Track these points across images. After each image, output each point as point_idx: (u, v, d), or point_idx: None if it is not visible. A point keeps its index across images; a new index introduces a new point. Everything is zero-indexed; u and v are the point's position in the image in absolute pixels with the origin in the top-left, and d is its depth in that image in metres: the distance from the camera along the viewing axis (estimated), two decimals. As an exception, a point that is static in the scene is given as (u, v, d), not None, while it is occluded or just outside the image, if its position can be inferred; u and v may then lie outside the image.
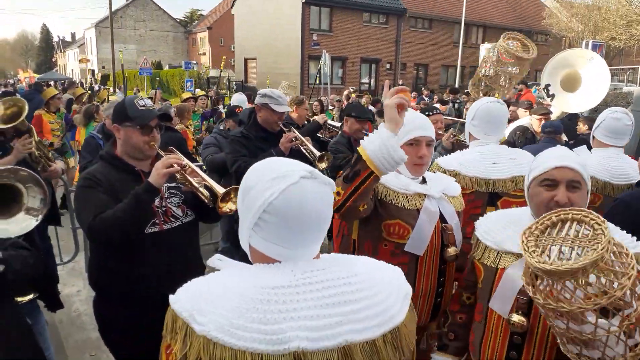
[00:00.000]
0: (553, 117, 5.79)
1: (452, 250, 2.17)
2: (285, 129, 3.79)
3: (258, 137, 3.75)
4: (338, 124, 5.29)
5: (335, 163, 4.18)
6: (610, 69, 5.82)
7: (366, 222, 2.17)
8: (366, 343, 1.07)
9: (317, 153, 3.82)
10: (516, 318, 1.73)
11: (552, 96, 5.82)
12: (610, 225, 1.68)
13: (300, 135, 3.80)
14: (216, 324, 1.02)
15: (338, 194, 1.86)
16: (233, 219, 3.35)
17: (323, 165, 3.81)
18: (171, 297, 1.12)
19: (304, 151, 3.85)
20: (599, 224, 1.35)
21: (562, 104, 5.82)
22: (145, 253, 2.31)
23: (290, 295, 1.07)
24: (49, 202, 2.13)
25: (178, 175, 2.35)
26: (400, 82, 27.53)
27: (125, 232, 2.18)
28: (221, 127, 5.24)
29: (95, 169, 2.37)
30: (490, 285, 1.87)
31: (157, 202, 2.36)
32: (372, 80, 30.88)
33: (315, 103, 9.31)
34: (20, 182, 1.81)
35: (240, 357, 1.00)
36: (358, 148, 1.87)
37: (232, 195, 2.41)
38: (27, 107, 3.64)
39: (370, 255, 2.05)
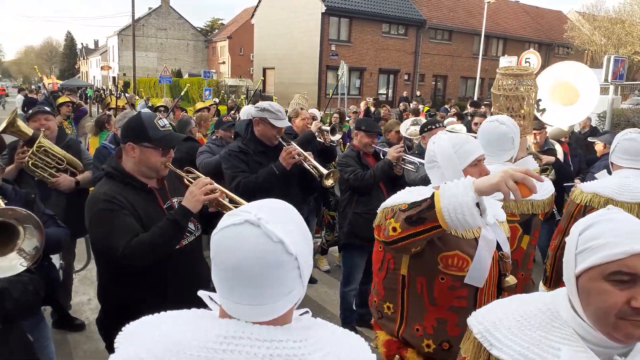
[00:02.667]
0: (550, 130, 5.67)
1: (510, 280, 2.07)
2: (284, 143, 3.67)
3: (257, 152, 3.63)
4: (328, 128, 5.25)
5: (344, 177, 4.11)
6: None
7: (419, 255, 2.00)
8: None
9: (324, 171, 3.66)
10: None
11: (543, 111, 5.73)
12: None
13: (302, 151, 3.66)
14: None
15: (394, 229, 1.76)
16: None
17: (330, 182, 3.70)
18: None
19: (307, 167, 3.72)
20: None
21: (553, 119, 5.72)
22: (165, 269, 2.28)
23: (186, 357, 0.96)
24: (42, 251, 1.96)
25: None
26: (418, 93, 27.42)
27: (159, 256, 2.18)
28: (213, 137, 5.28)
29: (111, 189, 2.25)
30: None
31: (171, 212, 2.32)
32: (390, 91, 30.82)
33: (335, 115, 9.25)
34: (19, 222, 1.72)
35: None
36: (434, 194, 1.70)
37: None
38: (16, 113, 3.71)
39: (425, 292, 2.01)
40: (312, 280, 5.69)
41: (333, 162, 5.44)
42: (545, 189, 2.77)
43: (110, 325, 2.33)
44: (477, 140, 2.15)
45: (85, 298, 5.14)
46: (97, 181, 3.79)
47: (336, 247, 5.34)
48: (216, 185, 2.33)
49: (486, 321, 1.29)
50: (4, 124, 3.65)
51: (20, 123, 3.69)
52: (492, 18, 28.67)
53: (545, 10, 38.68)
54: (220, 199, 2.35)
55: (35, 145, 3.71)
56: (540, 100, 5.90)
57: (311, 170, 3.71)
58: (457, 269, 1.98)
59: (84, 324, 4.52)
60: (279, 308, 1.02)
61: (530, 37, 34.21)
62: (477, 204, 1.60)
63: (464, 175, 2.01)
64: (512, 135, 2.64)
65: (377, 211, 2.19)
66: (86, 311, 4.86)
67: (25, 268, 1.88)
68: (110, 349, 2.45)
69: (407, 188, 2.24)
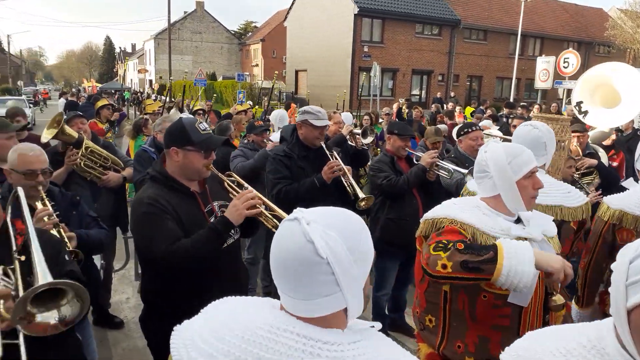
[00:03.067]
0: (593, 134, 5.48)
1: (557, 299, 1.95)
2: (327, 150, 3.74)
3: (300, 156, 3.71)
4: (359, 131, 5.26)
5: (376, 182, 4.10)
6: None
7: None
8: None
9: (360, 194, 3.64)
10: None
11: (585, 113, 5.56)
12: None
13: (343, 166, 3.68)
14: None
15: (444, 266, 1.73)
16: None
17: (363, 204, 3.67)
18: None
19: (345, 183, 3.70)
20: None
21: (596, 120, 5.55)
22: (205, 271, 2.35)
23: (237, 337, 1.05)
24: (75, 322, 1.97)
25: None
26: (452, 94, 27.04)
27: (198, 262, 2.26)
28: (245, 141, 5.34)
29: (155, 192, 2.34)
30: None
31: (212, 221, 2.40)
32: (423, 92, 30.52)
33: (366, 117, 9.22)
34: (72, 289, 1.80)
35: None
36: (497, 248, 1.71)
37: None
38: (62, 119, 3.86)
39: (466, 308, 1.98)
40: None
41: (365, 167, 5.45)
42: (576, 196, 2.66)
43: (152, 324, 2.45)
44: (530, 151, 2.05)
45: (124, 297, 5.30)
46: (138, 183, 3.97)
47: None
48: (258, 198, 2.38)
49: None
50: (52, 130, 3.81)
51: (67, 128, 3.85)
52: (528, 16, 28.02)
53: (585, 7, 37.54)
54: (266, 212, 2.41)
55: (83, 147, 3.87)
56: (582, 102, 5.76)
57: (347, 187, 3.70)
58: (500, 288, 1.89)
59: (122, 322, 4.66)
60: (315, 308, 1.05)
61: (569, 35, 33.26)
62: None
63: (517, 187, 1.96)
64: (545, 140, 2.58)
65: (420, 221, 2.14)
66: (125, 309, 5.00)
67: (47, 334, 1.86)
68: (152, 347, 2.54)
69: (452, 200, 2.17)
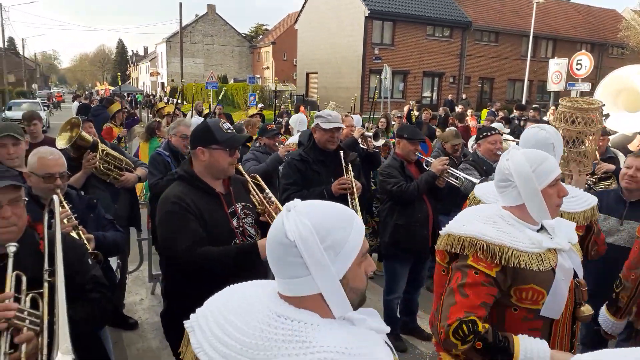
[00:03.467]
0: (614, 137, 5.43)
1: (586, 310, 1.92)
2: (344, 161, 3.78)
3: (316, 161, 3.75)
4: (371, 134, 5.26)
5: (386, 188, 4.11)
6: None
7: None
8: None
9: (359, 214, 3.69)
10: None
11: (607, 116, 5.52)
12: None
13: (353, 184, 3.71)
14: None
15: (455, 346, 1.76)
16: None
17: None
18: None
19: (349, 203, 3.71)
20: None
21: (617, 124, 5.49)
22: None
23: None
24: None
25: (258, 206, 2.57)
26: (464, 96, 26.93)
27: (214, 271, 2.31)
28: (257, 144, 5.38)
29: (181, 191, 2.45)
30: None
31: (235, 222, 2.49)
32: (434, 94, 30.43)
33: (382, 120, 9.23)
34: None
35: None
36: (514, 344, 1.76)
37: None
38: (80, 123, 3.89)
39: (495, 322, 1.91)
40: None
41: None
42: (580, 202, 2.58)
43: (172, 320, 2.50)
44: (553, 158, 1.97)
45: (137, 298, 5.36)
46: (154, 187, 4.02)
47: (376, 254, 5.31)
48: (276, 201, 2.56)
49: None
50: (66, 135, 3.86)
51: (83, 132, 3.90)
52: (541, 18, 27.83)
53: (597, 9, 37.19)
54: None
55: (99, 150, 3.92)
56: (603, 104, 5.72)
57: (351, 204, 3.71)
58: (531, 302, 1.86)
59: (137, 323, 4.72)
60: (291, 288, 1.18)
61: (581, 37, 32.97)
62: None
63: (542, 196, 1.89)
64: (553, 141, 2.52)
65: (440, 233, 2.04)
66: (139, 311, 5.06)
67: None
68: (171, 343, 2.62)
69: (472, 209, 2.12)
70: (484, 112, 14.98)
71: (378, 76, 20.94)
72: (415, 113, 13.35)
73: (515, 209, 1.94)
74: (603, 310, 2.81)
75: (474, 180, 3.85)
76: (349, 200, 3.71)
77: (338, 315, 1.18)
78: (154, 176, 4.05)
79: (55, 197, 2.13)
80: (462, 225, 1.94)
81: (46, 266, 1.82)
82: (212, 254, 2.32)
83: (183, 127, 4.23)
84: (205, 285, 2.33)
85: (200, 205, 2.42)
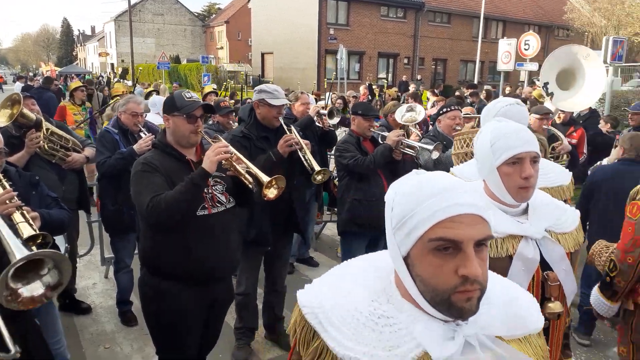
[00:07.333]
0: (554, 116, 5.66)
1: (554, 306, 1.69)
2: (285, 127, 3.68)
3: (259, 137, 3.63)
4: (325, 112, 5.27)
5: (342, 162, 4.11)
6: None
7: None
8: None
9: (316, 167, 3.68)
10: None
11: (551, 95, 5.73)
12: None
13: (300, 140, 3.65)
14: None
15: None
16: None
17: (319, 178, 3.70)
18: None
19: (302, 158, 3.69)
20: None
21: (560, 103, 5.73)
22: (196, 233, 2.55)
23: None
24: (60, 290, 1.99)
25: (224, 162, 2.62)
26: (419, 77, 27.29)
27: (180, 213, 2.43)
28: (210, 122, 5.32)
29: (151, 156, 2.62)
30: None
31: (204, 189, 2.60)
32: (390, 75, 30.67)
33: (339, 101, 9.22)
34: (50, 259, 1.79)
35: None
36: None
37: (275, 183, 2.87)
38: (22, 100, 3.69)
39: None
40: (313, 264, 5.78)
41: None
42: (554, 178, 2.46)
43: (148, 285, 2.67)
44: (530, 135, 1.72)
45: (90, 282, 5.22)
46: (101, 165, 3.88)
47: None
48: (231, 149, 2.65)
49: None
50: (6, 112, 3.65)
51: (25, 109, 3.70)
52: (491, 0, 28.40)
53: (545, -9, 38.26)
54: (236, 165, 2.68)
55: (43, 128, 3.74)
56: (547, 83, 5.91)
57: (304, 162, 3.69)
58: None
59: (90, 308, 4.61)
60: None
61: (530, 19, 33.92)
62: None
63: (498, 175, 1.70)
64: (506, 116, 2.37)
65: None
66: (92, 295, 4.94)
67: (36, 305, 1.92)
68: (146, 309, 2.69)
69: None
70: (425, 93, 15.30)
71: (335, 56, 20.90)
72: (376, 90, 13.42)
73: (486, 185, 1.80)
74: (596, 292, 2.71)
75: (429, 147, 3.93)
76: (301, 157, 3.67)
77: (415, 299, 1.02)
78: (102, 154, 3.90)
79: None
80: None
81: None
82: (168, 194, 2.42)
83: (133, 104, 4.06)
84: (180, 251, 2.53)
85: (169, 170, 2.56)
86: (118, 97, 6.90)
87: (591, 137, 6.56)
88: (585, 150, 5.67)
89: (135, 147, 3.82)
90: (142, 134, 4.02)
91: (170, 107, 2.63)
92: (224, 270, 2.73)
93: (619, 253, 2.57)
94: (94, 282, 5.24)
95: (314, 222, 6.12)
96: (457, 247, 0.93)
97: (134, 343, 4.06)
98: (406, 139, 4.15)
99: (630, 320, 2.61)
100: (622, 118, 8.01)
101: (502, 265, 1.68)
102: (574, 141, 5.47)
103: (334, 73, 13.94)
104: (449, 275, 0.94)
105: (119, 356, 3.90)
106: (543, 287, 1.74)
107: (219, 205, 2.67)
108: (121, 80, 27.52)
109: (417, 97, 11.81)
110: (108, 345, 4.04)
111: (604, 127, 6.63)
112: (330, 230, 6.90)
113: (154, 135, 3.73)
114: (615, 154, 4.45)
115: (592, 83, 5.69)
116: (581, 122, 7.02)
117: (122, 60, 42.71)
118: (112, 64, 49.40)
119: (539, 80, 7.33)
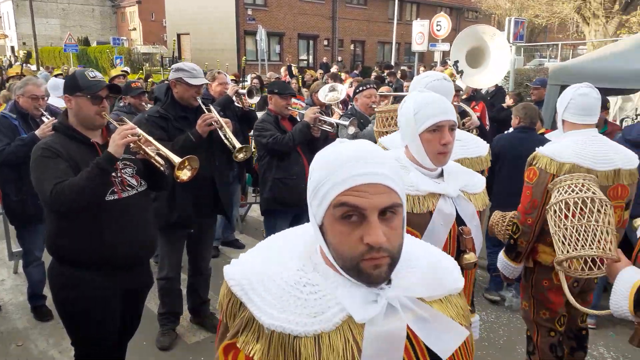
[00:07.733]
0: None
1: (469, 257, 1.91)
2: (203, 106, 3.58)
3: (177, 117, 3.51)
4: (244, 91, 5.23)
5: (262, 142, 4.10)
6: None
7: None
8: None
9: (237, 144, 3.64)
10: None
11: (461, 72, 6.06)
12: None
13: (220, 118, 3.58)
14: None
15: None
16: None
17: (241, 156, 3.69)
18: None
19: (222, 137, 3.64)
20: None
21: (469, 80, 6.08)
22: (105, 219, 2.45)
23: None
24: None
25: (132, 145, 2.51)
26: (339, 58, 27.55)
27: (86, 200, 2.32)
28: (120, 104, 5.12)
29: (52, 140, 2.46)
30: None
31: (112, 173, 2.48)
32: (311, 57, 30.71)
33: (255, 81, 9.14)
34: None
35: None
36: None
37: (187, 164, 2.80)
38: None
39: None
40: (239, 246, 5.76)
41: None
42: (473, 148, 2.64)
43: (58, 275, 2.53)
44: (448, 105, 1.89)
45: (-3, 279, 4.88)
46: (0, 153, 3.61)
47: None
48: (139, 131, 2.54)
49: None
50: None
51: None
52: (405, -18, 29.14)
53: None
54: (145, 147, 2.58)
55: None
56: (457, 61, 6.20)
57: (225, 140, 3.64)
58: None
59: (-1, 306, 4.32)
60: None
61: (441, 1, 35.22)
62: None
63: (420, 141, 1.86)
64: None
65: None
66: (0, 292, 4.63)
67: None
68: (57, 299, 2.56)
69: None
70: (340, 74, 15.61)
71: (255, 37, 20.59)
72: (295, 71, 13.43)
73: (407, 150, 1.96)
74: (501, 256, 2.89)
75: (345, 123, 4.02)
76: (222, 136, 3.63)
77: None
78: (1, 142, 3.62)
79: None
80: None
81: None
82: (74, 179, 2.31)
83: (32, 86, 3.78)
84: (89, 237, 2.42)
85: (73, 153, 2.43)
86: (13, 80, 6.41)
87: (497, 112, 7.00)
88: (487, 122, 6.06)
89: (37, 132, 3.58)
90: (44, 119, 3.78)
91: (73, 87, 2.48)
92: (138, 255, 2.62)
93: (519, 215, 2.75)
94: (2, 278, 4.91)
95: (238, 204, 6.08)
96: (361, 216, 0.97)
97: (50, 338, 3.86)
98: (323, 116, 4.21)
99: (531, 277, 2.85)
100: (526, 94, 8.59)
101: (423, 220, 1.88)
102: (477, 114, 5.82)
103: (250, 56, 13.73)
104: (355, 243, 0.97)
105: (34, 352, 3.70)
106: (458, 240, 1.93)
107: (129, 189, 2.57)
108: (25, 64, 25.47)
109: (337, 77, 11.97)
110: (21, 342, 3.82)
111: (509, 102, 7.10)
112: (256, 212, 6.88)
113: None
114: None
115: (498, 61, 6.05)
116: (489, 98, 7.47)
117: (24, 43, 39.45)
118: (13, 47, 45.52)
119: (450, 60, 7.71)
